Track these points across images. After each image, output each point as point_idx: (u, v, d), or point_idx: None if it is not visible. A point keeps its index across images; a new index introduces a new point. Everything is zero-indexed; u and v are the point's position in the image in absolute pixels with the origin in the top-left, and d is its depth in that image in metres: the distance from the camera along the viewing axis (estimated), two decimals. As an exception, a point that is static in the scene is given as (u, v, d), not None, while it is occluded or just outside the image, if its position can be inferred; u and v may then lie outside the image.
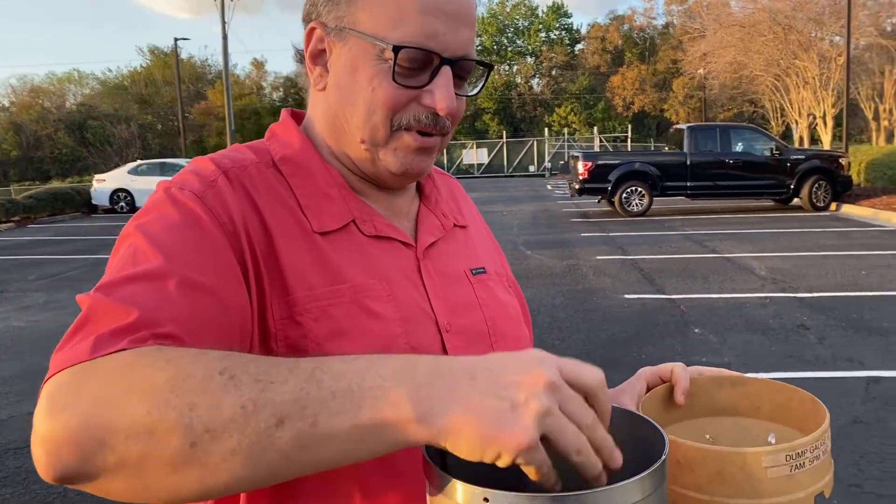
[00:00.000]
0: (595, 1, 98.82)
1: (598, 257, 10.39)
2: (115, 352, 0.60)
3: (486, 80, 0.90)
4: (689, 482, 0.74)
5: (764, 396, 0.88)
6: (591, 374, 0.58)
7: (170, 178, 0.79)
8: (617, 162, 16.15)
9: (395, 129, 0.82)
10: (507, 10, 57.25)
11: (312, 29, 0.85)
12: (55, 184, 29.57)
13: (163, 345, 0.62)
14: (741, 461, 0.71)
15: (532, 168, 40.87)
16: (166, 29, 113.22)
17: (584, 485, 0.56)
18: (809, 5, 27.68)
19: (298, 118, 0.95)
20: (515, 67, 56.25)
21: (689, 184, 15.77)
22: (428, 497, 0.62)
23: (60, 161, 43.06)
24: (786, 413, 0.87)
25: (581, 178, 15.86)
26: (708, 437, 0.90)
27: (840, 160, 15.94)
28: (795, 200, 16.08)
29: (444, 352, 0.84)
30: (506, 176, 39.89)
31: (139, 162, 23.18)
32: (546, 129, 45.99)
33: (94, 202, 21.95)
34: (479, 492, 0.55)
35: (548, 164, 40.06)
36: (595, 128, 46.17)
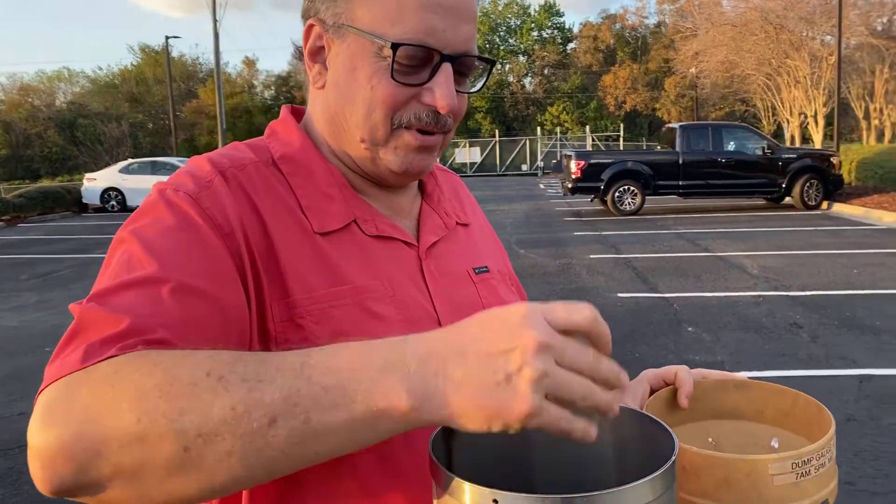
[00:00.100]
0: (587, 0, 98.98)
1: (591, 256, 10.40)
2: (105, 359, 0.59)
3: (488, 77, 0.89)
4: (694, 488, 0.73)
5: (768, 400, 0.88)
6: (582, 314, 0.56)
7: (165, 179, 0.78)
8: (610, 161, 16.18)
9: (396, 127, 0.81)
10: (500, 8, 57.30)
11: (311, 26, 0.84)
12: (45, 182, 29.43)
13: (152, 349, 0.61)
14: (747, 468, 0.71)
15: (525, 167, 40.90)
16: (157, 27, 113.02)
17: (590, 480, 0.55)
18: (801, 5, 27.80)
19: (298, 115, 0.93)
20: (508, 66, 56.28)
21: (681, 183, 15.81)
22: (434, 498, 0.61)
23: (50, 160, 42.82)
24: (789, 418, 0.86)
25: (574, 177, 15.89)
26: (711, 440, 0.89)
27: (831, 159, 16.02)
28: (787, 199, 16.14)
29: None
30: (498, 175, 39.91)
31: (130, 161, 23.03)
32: (538, 128, 46.04)
33: (84, 201, 21.81)
34: (489, 493, 0.54)
35: (540, 163, 40.11)
36: (587, 127, 46.26)
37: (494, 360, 0.54)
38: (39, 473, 0.56)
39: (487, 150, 41.54)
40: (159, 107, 46.55)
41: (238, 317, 0.72)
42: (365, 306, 0.78)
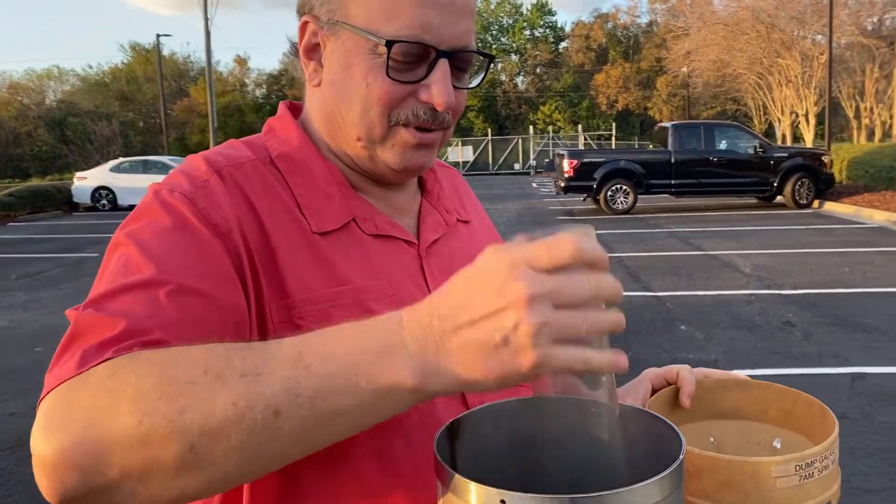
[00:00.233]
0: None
1: (583, 255, 10.40)
2: (101, 363, 0.59)
3: (486, 72, 0.88)
4: (696, 489, 0.72)
5: (770, 400, 0.87)
6: (563, 251, 0.52)
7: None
8: (602, 160, 16.21)
9: (393, 124, 0.80)
10: (492, 7, 57.32)
11: (305, 23, 0.82)
12: (35, 181, 29.24)
13: (147, 350, 0.60)
14: (750, 470, 0.70)
15: (517, 166, 40.96)
16: (148, 25, 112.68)
17: (601, 478, 0.54)
18: (792, 4, 27.95)
19: (296, 111, 0.91)
20: (500, 65, 56.30)
21: (673, 181, 15.86)
22: (440, 498, 0.60)
23: (40, 158, 42.57)
24: (791, 418, 0.86)
25: (567, 175, 15.91)
26: (712, 440, 0.89)
27: (822, 158, 16.10)
28: (779, 198, 16.20)
29: None
30: (491, 174, 39.93)
31: (121, 159, 22.91)
32: (531, 127, 46.08)
33: (75, 200, 21.68)
34: (496, 493, 0.53)
35: (533, 162, 40.17)
36: (579, 126, 46.35)
37: (488, 323, 0.52)
38: (45, 482, 0.55)
39: (480, 148, 41.58)
40: (150, 105, 46.38)
41: (237, 317, 0.71)
42: (365, 306, 0.77)
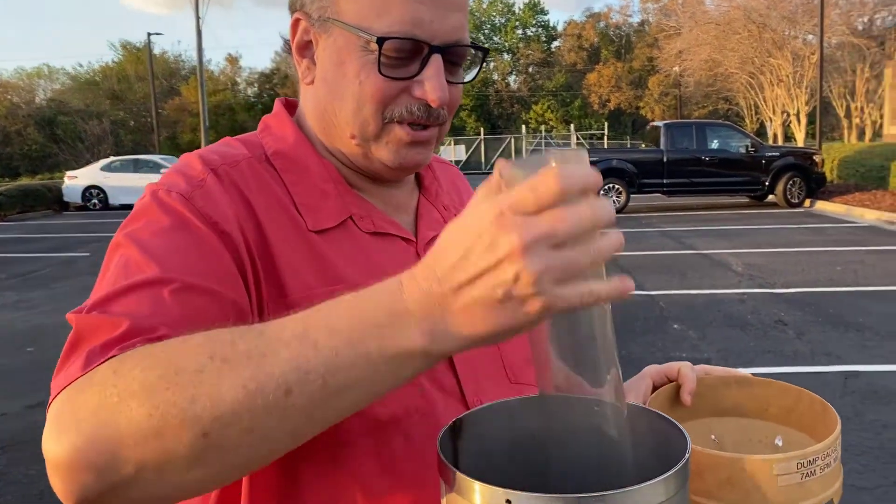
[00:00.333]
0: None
1: (576, 254, 10.42)
2: (105, 361, 0.58)
3: (481, 66, 0.87)
4: (698, 487, 0.72)
5: (771, 398, 0.87)
6: (548, 189, 0.50)
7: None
8: (594, 159, 16.21)
9: (387, 122, 0.79)
10: (484, 6, 57.34)
11: (297, 20, 0.82)
12: (25, 180, 29.03)
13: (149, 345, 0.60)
14: (752, 468, 0.70)
15: (509, 165, 40.92)
16: (139, 24, 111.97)
17: (607, 476, 0.53)
18: (783, 4, 28.05)
19: (292, 108, 0.91)
20: (492, 64, 56.33)
21: (665, 181, 15.90)
22: (443, 498, 0.59)
23: (30, 157, 42.28)
24: (793, 415, 0.85)
25: (559, 174, 15.91)
26: (713, 437, 0.88)
27: (814, 157, 16.16)
28: (770, 197, 16.27)
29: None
30: (483, 173, 39.90)
31: (112, 158, 22.77)
32: (523, 127, 46.12)
33: (65, 199, 21.54)
34: (501, 492, 0.52)
35: (525, 161, 40.15)
36: (572, 125, 46.42)
37: (488, 278, 0.50)
38: (61, 486, 0.55)
39: (472, 148, 41.57)
40: (141, 104, 46.16)
41: (239, 314, 0.70)
42: None
